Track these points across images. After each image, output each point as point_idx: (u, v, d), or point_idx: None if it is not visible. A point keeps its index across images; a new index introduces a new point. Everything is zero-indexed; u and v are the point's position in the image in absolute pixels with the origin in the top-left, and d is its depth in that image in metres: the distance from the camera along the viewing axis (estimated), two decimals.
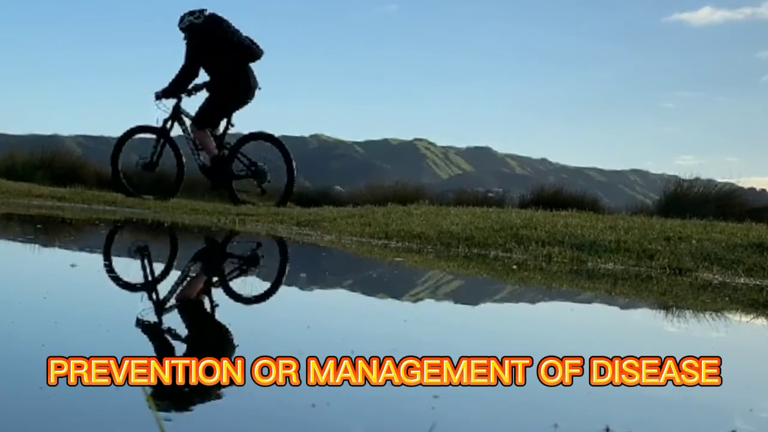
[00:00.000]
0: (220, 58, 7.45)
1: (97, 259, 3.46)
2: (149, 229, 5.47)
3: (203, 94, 7.72)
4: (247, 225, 6.19)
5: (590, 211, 7.64)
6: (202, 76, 7.68)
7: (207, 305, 2.46)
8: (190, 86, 7.64)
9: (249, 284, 3.09)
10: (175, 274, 3.20)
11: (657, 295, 3.53)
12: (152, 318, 2.05)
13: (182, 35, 7.55)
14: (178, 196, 8.32)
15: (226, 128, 7.79)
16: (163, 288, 2.74)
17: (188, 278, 3.10)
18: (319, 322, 2.26)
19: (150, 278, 3.00)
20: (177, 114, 7.77)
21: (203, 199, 9.03)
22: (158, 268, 3.41)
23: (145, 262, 3.64)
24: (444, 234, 5.37)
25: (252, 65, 7.70)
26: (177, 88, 7.62)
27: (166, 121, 7.78)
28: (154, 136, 7.92)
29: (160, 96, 7.66)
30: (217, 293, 2.77)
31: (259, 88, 7.66)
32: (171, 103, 7.77)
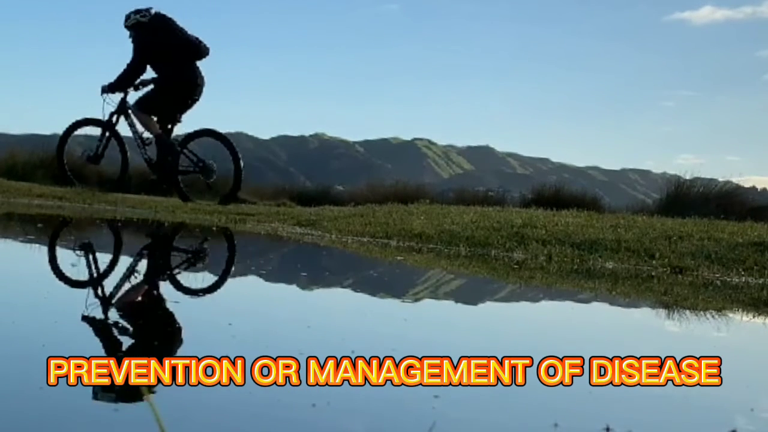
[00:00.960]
0: (167, 55, 7.58)
1: (98, 257, 3.46)
2: (150, 228, 5.47)
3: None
4: (248, 224, 6.19)
5: (591, 211, 7.64)
6: (150, 72, 7.79)
7: (203, 304, 2.46)
8: (137, 81, 7.74)
9: (260, 284, 3.09)
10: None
11: (658, 294, 3.53)
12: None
13: (128, 33, 7.66)
14: (148, 192, 8.34)
15: (173, 125, 7.86)
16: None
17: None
18: (320, 321, 2.26)
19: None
20: (123, 108, 7.85)
21: (157, 193, 9.01)
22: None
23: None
24: (444, 233, 5.36)
25: (199, 63, 7.81)
26: (124, 83, 7.73)
27: (112, 115, 7.86)
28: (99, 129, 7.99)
29: (106, 90, 7.75)
30: (218, 293, 2.77)
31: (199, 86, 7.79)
32: (118, 97, 7.85)
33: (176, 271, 3.31)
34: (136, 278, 2.95)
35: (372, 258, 4.54)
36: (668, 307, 3.20)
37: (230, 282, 3.14)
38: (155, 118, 7.73)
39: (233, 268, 3.63)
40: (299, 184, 20.65)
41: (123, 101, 7.83)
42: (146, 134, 7.79)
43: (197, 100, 7.84)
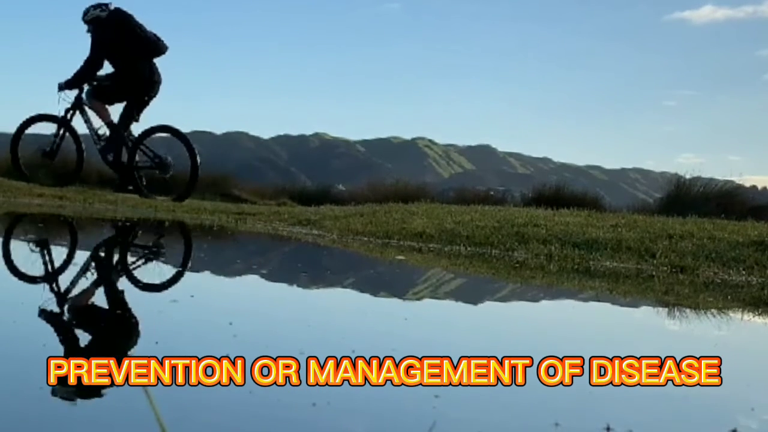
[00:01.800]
0: (125, 51, 7.60)
1: (101, 257, 3.46)
2: (151, 228, 5.47)
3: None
4: (248, 223, 6.19)
5: (592, 210, 7.64)
6: (107, 68, 7.82)
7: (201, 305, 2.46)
8: (94, 78, 7.77)
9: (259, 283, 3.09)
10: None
11: (658, 293, 3.53)
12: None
13: (86, 28, 7.68)
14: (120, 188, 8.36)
15: (131, 122, 7.89)
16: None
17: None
18: (321, 320, 2.26)
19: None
20: (79, 104, 7.87)
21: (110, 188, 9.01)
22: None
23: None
24: (445, 232, 5.36)
25: (155, 60, 7.83)
26: (81, 79, 7.75)
27: (67, 111, 7.88)
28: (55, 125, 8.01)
29: (63, 87, 7.77)
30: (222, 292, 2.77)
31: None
32: (74, 93, 7.88)
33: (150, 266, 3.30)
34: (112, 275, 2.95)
35: (373, 257, 4.54)
36: (669, 307, 3.20)
37: (231, 281, 3.14)
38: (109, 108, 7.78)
39: (189, 262, 3.63)
40: (300, 184, 20.68)
41: (78, 97, 7.86)
42: (102, 130, 7.84)
43: (153, 97, 7.90)
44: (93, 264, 3.26)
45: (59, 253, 3.46)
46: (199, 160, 7.92)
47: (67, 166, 8.50)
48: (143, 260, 3.62)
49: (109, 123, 7.78)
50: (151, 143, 7.97)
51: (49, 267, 2.99)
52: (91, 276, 2.85)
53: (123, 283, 2.74)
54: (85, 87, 7.84)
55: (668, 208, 9.55)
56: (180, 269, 3.33)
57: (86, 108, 7.88)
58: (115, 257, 3.74)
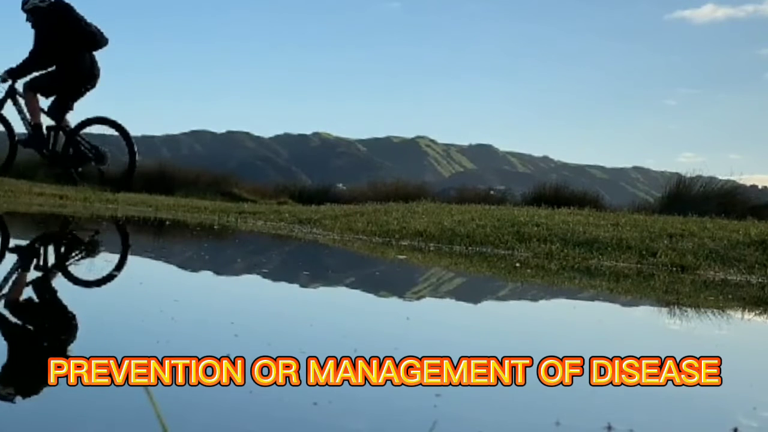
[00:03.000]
0: (65, 43, 7.62)
1: (102, 256, 3.46)
2: (152, 227, 5.47)
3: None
4: (249, 222, 6.19)
5: (592, 209, 7.64)
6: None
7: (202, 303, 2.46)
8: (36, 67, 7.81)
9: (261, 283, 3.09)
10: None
11: (659, 292, 3.53)
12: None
13: (25, 16, 7.70)
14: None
15: (66, 111, 7.91)
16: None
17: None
18: (322, 320, 2.26)
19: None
20: (12, 93, 7.88)
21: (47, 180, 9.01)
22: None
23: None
24: (446, 232, 5.36)
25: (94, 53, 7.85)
26: (27, 70, 7.77)
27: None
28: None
29: (6, 77, 7.78)
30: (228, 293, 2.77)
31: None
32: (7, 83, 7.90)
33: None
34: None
35: (373, 256, 4.54)
36: (669, 306, 3.19)
37: (232, 281, 3.14)
38: (40, 98, 7.79)
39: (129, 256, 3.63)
40: (300, 183, 20.68)
41: (12, 87, 7.87)
42: (34, 120, 7.86)
43: (91, 89, 7.94)
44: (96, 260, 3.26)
45: None
46: (137, 151, 8.00)
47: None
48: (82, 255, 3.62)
49: (35, 125, 7.78)
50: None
51: None
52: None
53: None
54: (20, 85, 7.86)
55: (669, 207, 9.55)
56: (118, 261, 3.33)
57: (18, 96, 7.88)
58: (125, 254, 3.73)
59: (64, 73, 7.69)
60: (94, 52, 7.88)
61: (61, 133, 7.95)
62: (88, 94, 7.96)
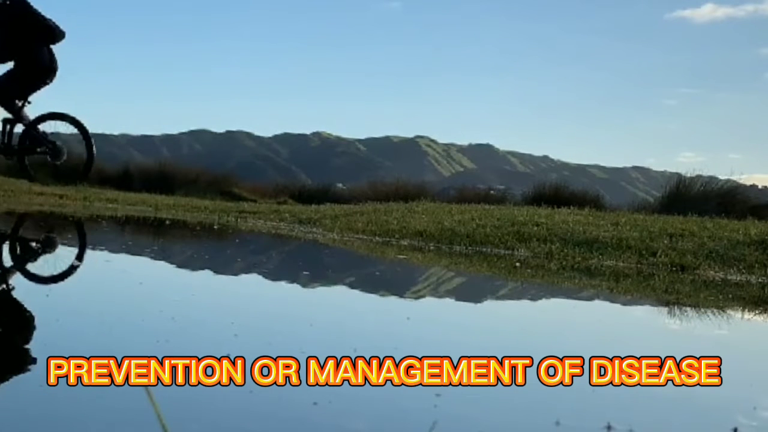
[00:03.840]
0: (24, 37, 7.64)
1: (102, 255, 3.46)
2: (152, 226, 5.47)
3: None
4: (248, 222, 6.19)
5: (592, 209, 7.64)
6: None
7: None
8: None
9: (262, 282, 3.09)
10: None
11: (659, 292, 3.53)
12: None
13: None
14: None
15: (23, 105, 7.94)
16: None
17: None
18: (322, 319, 2.26)
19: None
20: None
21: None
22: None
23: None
24: (446, 231, 5.36)
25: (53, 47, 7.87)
26: None
27: None
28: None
29: None
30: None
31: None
32: None
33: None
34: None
35: (373, 256, 4.54)
36: (669, 306, 3.20)
37: (232, 280, 3.14)
38: None
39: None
40: (300, 182, 20.70)
41: None
42: None
43: (49, 83, 7.97)
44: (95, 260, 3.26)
45: None
46: (94, 146, 8.03)
47: None
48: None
49: None
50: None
51: None
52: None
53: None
54: None
55: (668, 206, 9.55)
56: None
57: None
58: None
59: (25, 67, 7.74)
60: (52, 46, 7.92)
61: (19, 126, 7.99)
62: (45, 88, 7.99)
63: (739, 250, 4.74)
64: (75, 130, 8.06)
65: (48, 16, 7.87)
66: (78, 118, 8.06)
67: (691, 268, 4.38)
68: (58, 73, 7.95)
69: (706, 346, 2.35)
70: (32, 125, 7.93)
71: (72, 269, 2.90)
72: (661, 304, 3.28)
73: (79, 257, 3.38)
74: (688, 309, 3.13)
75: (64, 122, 8.06)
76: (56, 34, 7.88)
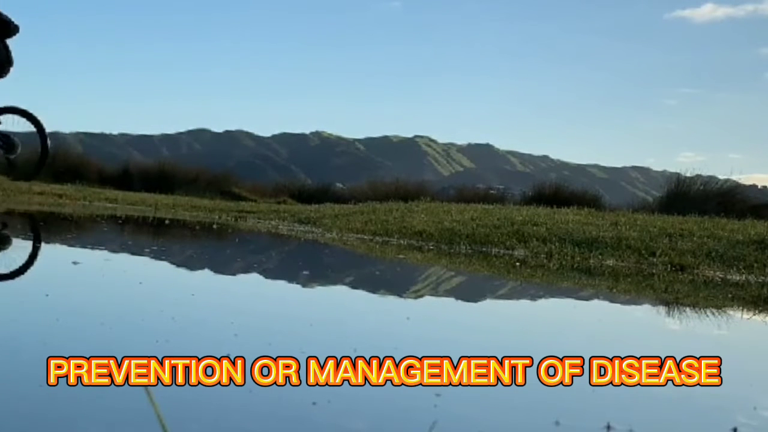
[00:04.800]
0: None
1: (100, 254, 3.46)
2: (152, 225, 5.47)
3: None
4: (248, 222, 6.19)
5: (591, 208, 7.65)
6: None
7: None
8: None
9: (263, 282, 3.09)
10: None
11: (658, 292, 3.53)
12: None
13: None
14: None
15: None
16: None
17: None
18: (322, 319, 2.25)
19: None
20: None
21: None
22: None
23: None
24: (445, 231, 5.36)
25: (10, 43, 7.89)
26: None
27: None
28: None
29: None
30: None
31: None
32: None
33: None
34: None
35: (373, 256, 4.54)
36: (669, 306, 3.20)
37: (231, 280, 3.14)
38: None
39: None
40: (300, 182, 20.70)
41: None
42: None
43: (4, 77, 7.97)
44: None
45: None
46: (49, 141, 8.02)
47: None
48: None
49: None
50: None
51: None
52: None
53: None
54: None
55: (668, 206, 9.55)
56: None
57: None
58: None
59: None
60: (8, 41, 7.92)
61: None
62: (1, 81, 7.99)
63: (739, 249, 4.74)
64: (32, 127, 8.02)
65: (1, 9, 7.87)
66: (33, 112, 8.04)
67: (690, 267, 4.38)
68: (12, 69, 7.92)
69: (705, 346, 2.35)
70: None
71: (72, 269, 2.89)
72: (660, 303, 3.28)
73: (79, 257, 3.38)
74: (688, 309, 3.13)
75: (19, 116, 8.03)
76: (11, 29, 7.90)
